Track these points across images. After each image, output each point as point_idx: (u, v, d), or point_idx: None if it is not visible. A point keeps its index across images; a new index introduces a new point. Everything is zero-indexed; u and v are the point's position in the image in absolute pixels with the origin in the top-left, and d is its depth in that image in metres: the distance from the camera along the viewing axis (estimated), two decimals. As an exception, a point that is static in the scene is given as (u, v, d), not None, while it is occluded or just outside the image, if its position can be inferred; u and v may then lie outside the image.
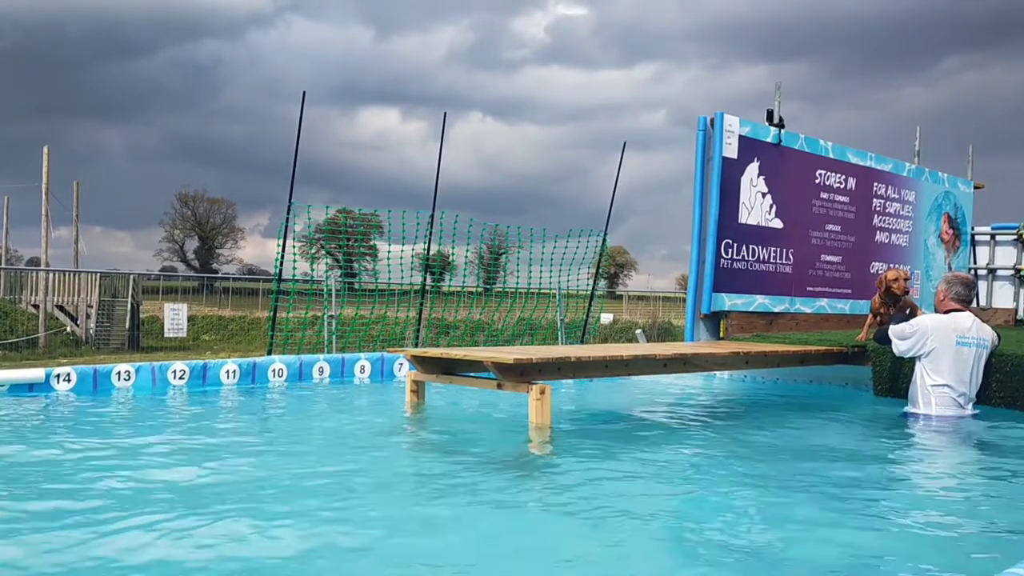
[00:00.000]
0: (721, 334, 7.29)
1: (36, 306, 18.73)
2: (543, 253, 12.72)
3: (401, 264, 11.32)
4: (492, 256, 15.54)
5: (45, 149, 20.00)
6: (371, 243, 14.38)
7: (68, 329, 18.39)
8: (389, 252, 11.26)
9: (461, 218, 11.63)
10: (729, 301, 7.25)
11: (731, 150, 7.18)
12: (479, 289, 15.04)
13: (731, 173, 7.19)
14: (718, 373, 7.56)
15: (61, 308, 18.82)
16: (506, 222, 12.73)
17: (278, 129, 72.40)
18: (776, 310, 7.68)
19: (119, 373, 6.14)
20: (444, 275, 13.38)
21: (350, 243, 13.08)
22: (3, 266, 23.40)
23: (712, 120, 7.15)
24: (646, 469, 3.87)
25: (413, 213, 11.12)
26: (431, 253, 11.30)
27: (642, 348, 5.53)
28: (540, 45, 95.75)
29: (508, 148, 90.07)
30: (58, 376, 5.91)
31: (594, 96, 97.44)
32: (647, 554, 2.67)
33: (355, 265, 15.04)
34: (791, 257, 7.77)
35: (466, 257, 12.76)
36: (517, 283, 13.03)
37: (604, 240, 13.16)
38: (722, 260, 7.16)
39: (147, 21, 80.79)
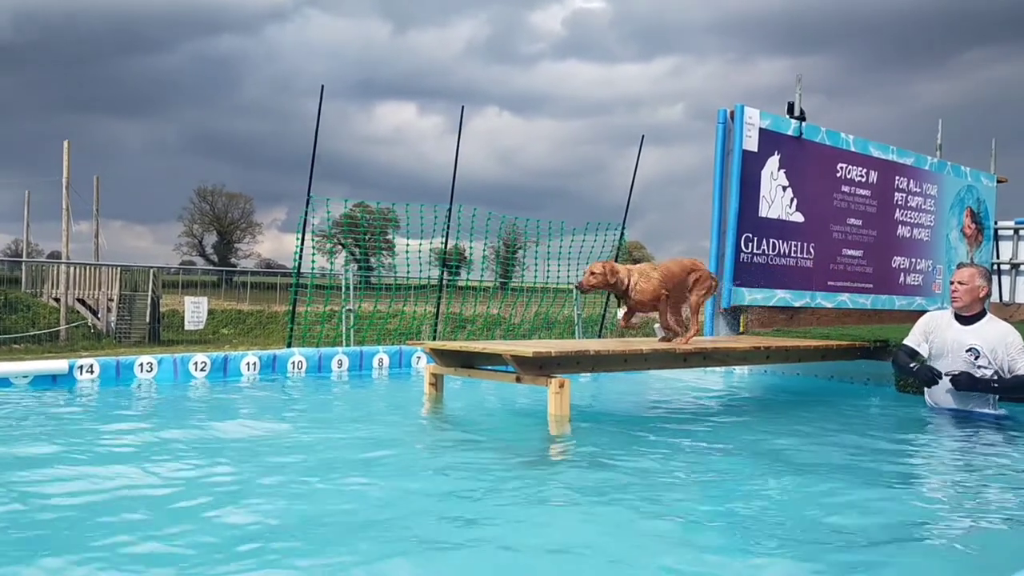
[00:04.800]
0: (741, 329, 7.25)
1: (57, 299, 18.93)
2: (560, 248, 12.71)
3: (420, 258, 11.34)
4: (509, 251, 15.55)
5: (65, 144, 20.20)
6: (388, 237, 14.40)
7: (89, 322, 18.56)
8: (408, 247, 11.28)
9: (478, 213, 11.64)
10: (749, 295, 7.21)
11: (751, 143, 7.12)
12: (496, 284, 15.05)
13: (751, 166, 7.14)
14: (738, 368, 7.52)
15: (82, 301, 19.00)
16: (523, 217, 12.69)
17: (295, 124, 72.73)
18: (797, 305, 7.62)
19: (141, 365, 6.19)
20: (460, 270, 13.40)
21: (367, 238, 13.12)
22: (25, 259, 23.64)
23: (732, 113, 7.10)
24: (666, 461, 3.85)
25: (430, 208, 11.14)
26: (448, 248, 11.32)
27: (661, 343, 5.50)
28: (557, 39, 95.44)
29: (525, 143, 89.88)
30: (81, 367, 5.96)
31: (612, 90, 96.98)
32: (671, 542, 2.66)
33: (372, 260, 15.07)
34: (812, 251, 7.71)
35: (484, 252, 12.78)
36: (535, 278, 13.02)
37: (622, 235, 13.14)
38: (742, 254, 7.11)
39: (165, 16, 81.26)
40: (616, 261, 13.09)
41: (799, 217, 7.58)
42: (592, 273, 5.08)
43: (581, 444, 4.21)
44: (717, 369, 7.30)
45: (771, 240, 7.35)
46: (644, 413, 5.52)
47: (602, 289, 5.21)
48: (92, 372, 5.98)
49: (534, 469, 3.66)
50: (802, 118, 7.62)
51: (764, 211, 7.28)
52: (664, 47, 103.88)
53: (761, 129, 7.20)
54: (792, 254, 7.55)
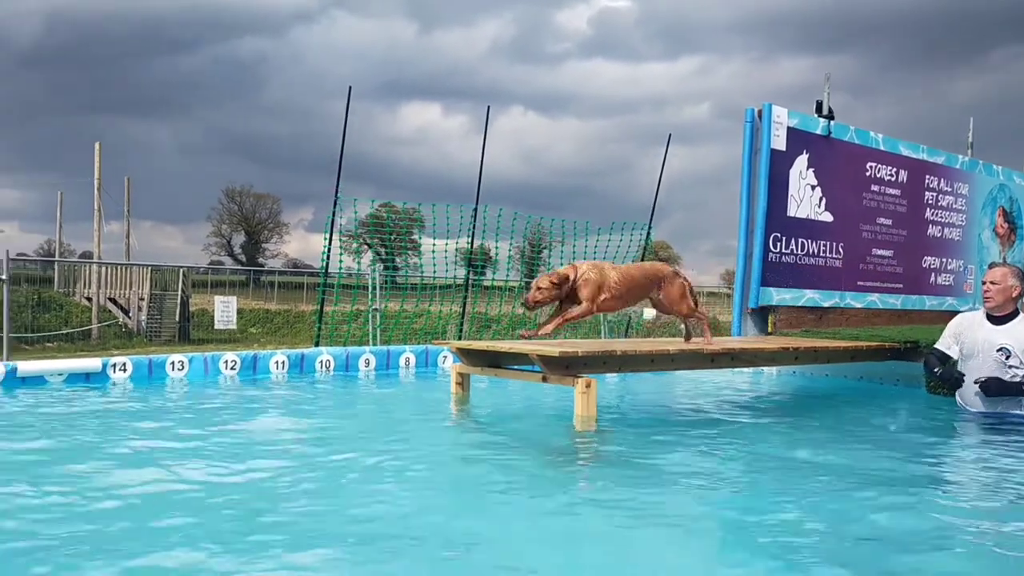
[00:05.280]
0: (769, 329, 7.20)
1: (89, 299, 19.23)
2: (586, 247, 12.70)
3: (445, 258, 11.39)
4: (534, 251, 15.55)
5: (96, 145, 20.49)
6: (414, 237, 14.46)
7: (120, 321, 18.84)
8: (434, 247, 11.34)
9: (503, 213, 11.67)
10: (777, 295, 7.16)
11: (779, 142, 7.07)
12: (521, 284, 15.07)
13: (779, 165, 7.09)
14: (765, 369, 7.47)
15: (113, 301, 19.30)
16: (548, 216, 12.70)
17: (321, 125, 72.98)
18: (825, 305, 7.56)
19: (172, 363, 6.27)
20: (486, 270, 13.43)
21: (393, 238, 13.20)
22: (57, 259, 24.03)
23: (760, 111, 7.05)
24: (693, 462, 3.84)
25: (456, 208, 11.19)
26: (473, 248, 11.36)
27: (689, 343, 5.48)
28: (583, 38, 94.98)
29: (550, 142, 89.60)
30: (114, 366, 6.06)
31: (637, 89, 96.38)
32: (699, 545, 2.66)
33: (398, 260, 15.16)
34: (841, 251, 7.63)
35: (509, 252, 12.80)
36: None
37: (648, 234, 13.10)
38: (770, 254, 7.06)
39: (193, 19, 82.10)
40: (644, 260, 13.07)
41: (828, 216, 7.52)
42: (539, 288, 4.72)
43: (607, 444, 4.21)
44: (745, 370, 7.26)
45: (800, 240, 7.30)
46: (671, 414, 5.50)
47: (552, 301, 4.82)
48: (125, 370, 6.07)
49: (559, 469, 3.66)
50: (831, 117, 7.55)
51: (792, 210, 7.23)
52: (689, 46, 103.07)
53: (789, 128, 7.15)
54: (821, 254, 7.48)
